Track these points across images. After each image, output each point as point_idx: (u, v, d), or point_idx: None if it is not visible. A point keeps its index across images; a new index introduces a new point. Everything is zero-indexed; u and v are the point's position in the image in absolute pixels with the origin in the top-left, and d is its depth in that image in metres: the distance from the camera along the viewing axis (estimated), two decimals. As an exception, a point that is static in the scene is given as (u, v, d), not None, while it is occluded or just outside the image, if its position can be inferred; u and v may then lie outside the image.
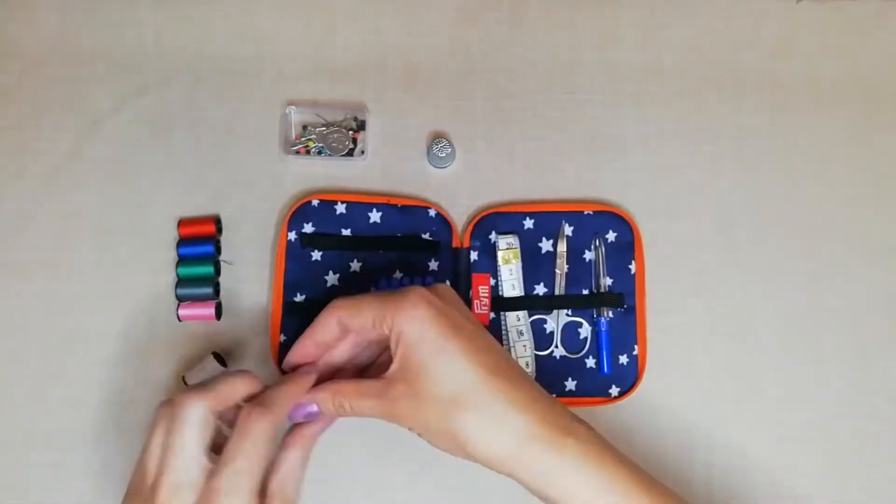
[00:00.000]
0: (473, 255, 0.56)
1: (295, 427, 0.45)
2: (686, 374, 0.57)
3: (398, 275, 0.56)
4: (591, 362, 0.56)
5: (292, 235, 0.56)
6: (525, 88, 0.60)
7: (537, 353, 0.56)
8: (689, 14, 0.61)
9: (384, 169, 0.59)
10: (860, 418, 0.57)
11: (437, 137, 0.58)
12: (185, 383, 0.55)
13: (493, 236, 0.56)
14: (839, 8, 0.61)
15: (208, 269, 0.56)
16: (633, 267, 0.57)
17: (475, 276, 0.56)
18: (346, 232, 0.56)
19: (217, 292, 0.57)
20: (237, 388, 0.42)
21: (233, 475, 0.38)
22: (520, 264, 0.56)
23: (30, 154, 0.58)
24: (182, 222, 0.57)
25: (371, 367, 0.50)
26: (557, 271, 0.57)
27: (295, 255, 0.56)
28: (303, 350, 0.47)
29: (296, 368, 0.47)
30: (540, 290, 0.56)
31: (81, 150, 0.58)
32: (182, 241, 0.56)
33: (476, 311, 0.56)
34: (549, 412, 0.42)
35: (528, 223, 0.57)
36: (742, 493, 0.55)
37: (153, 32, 0.60)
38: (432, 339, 0.42)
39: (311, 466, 0.45)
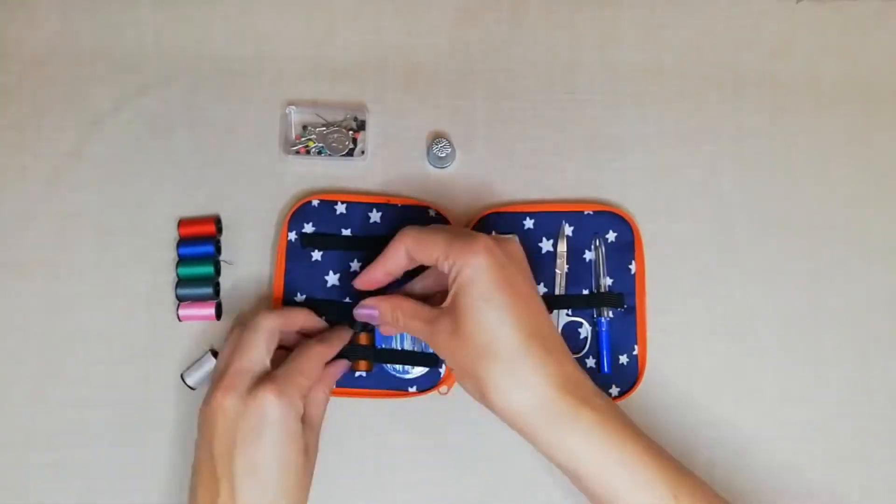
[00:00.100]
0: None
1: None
2: (686, 374, 0.57)
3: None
4: (591, 362, 0.56)
5: (292, 236, 0.56)
6: (525, 88, 0.60)
7: (537, 353, 0.56)
8: (689, 14, 0.61)
9: (384, 169, 0.59)
10: (860, 418, 0.57)
11: (437, 137, 0.58)
12: (184, 381, 0.55)
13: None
14: (839, 8, 0.61)
15: (208, 269, 0.56)
16: (633, 267, 0.57)
17: (475, 276, 0.56)
18: (347, 232, 0.56)
19: (217, 292, 0.57)
20: (299, 318, 0.52)
21: (291, 370, 0.47)
22: (520, 264, 0.56)
23: (30, 154, 0.58)
24: (182, 222, 0.57)
25: (433, 297, 0.52)
26: (557, 271, 0.57)
27: (295, 255, 0.56)
28: (373, 276, 0.51)
29: (364, 292, 0.52)
30: (540, 290, 0.56)
31: (81, 150, 0.58)
32: (182, 241, 0.56)
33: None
34: (573, 382, 0.44)
35: (528, 223, 0.57)
36: (743, 493, 0.55)
37: (153, 32, 0.60)
38: (484, 288, 0.44)
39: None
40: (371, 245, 0.56)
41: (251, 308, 0.57)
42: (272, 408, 0.45)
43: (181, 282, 0.56)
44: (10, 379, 0.56)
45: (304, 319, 0.52)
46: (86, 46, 0.60)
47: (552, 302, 0.56)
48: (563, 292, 0.56)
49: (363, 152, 0.58)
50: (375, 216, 0.57)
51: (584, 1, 0.61)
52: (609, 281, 0.57)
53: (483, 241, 0.45)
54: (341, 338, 0.53)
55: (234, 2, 0.60)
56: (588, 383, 0.45)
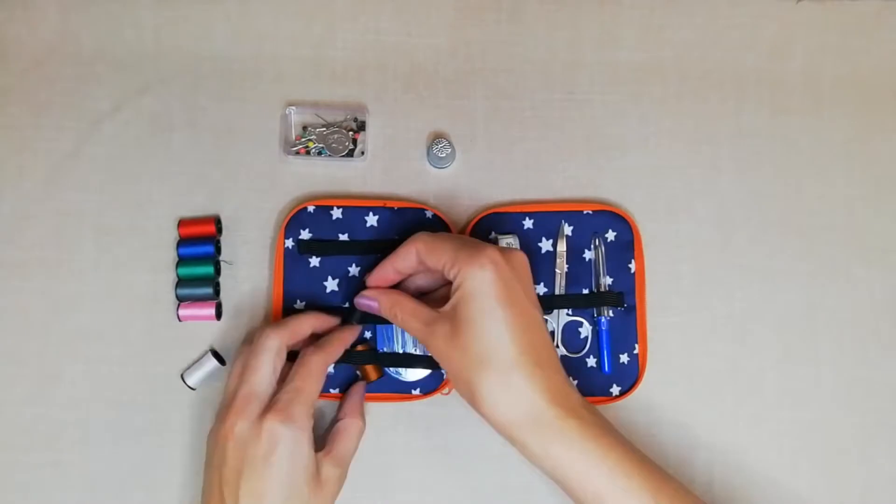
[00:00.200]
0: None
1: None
2: (686, 373, 0.57)
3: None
4: (591, 362, 0.56)
5: (289, 243, 0.56)
6: (525, 88, 0.60)
7: (537, 353, 0.56)
8: (689, 14, 0.61)
9: (384, 169, 0.59)
10: (859, 418, 0.57)
11: (437, 137, 0.58)
12: (184, 382, 0.55)
13: (492, 237, 0.56)
14: (839, 8, 0.61)
15: (208, 270, 0.56)
16: (632, 266, 0.57)
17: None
18: (344, 237, 0.56)
19: (217, 292, 0.57)
20: (305, 326, 0.51)
21: (293, 391, 0.47)
22: (520, 264, 0.56)
23: (30, 154, 0.58)
24: (182, 222, 0.57)
25: (434, 292, 0.53)
26: (557, 271, 0.57)
27: (293, 262, 0.56)
28: (384, 274, 0.51)
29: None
30: (540, 289, 0.56)
31: (81, 150, 0.58)
32: (182, 241, 0.56)
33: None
34: (561, 394, 0.46)
35: (528, 223, 0.57)
36: (743, 492, 0.55)
37: (153, 32, 0.60)
38: (486, 302, 0.45)
39: None
40: (369, 249, 0.56)
41: (252, 309, 0.57)
42: (279, 436, 0.45)
43: (181, 282, 0.56)
44: (10, 379, 0.56)
45: (313, 325, 0.52)
46: (85, 46, 0.60)
47: (552, 302, 0.56)
48: (562, 292, 0.56)
49: (363, 153, 0.58)
50: (372, 220, 0.56)
51: (584, 1, 0.61)
52: (609, 280, 0.57)
53: (490, 254, 0.46)
54: (343, 340, 0.52)
55: (234, 2, 0.60)
56: (575, 395, 0.47)
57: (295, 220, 0.56)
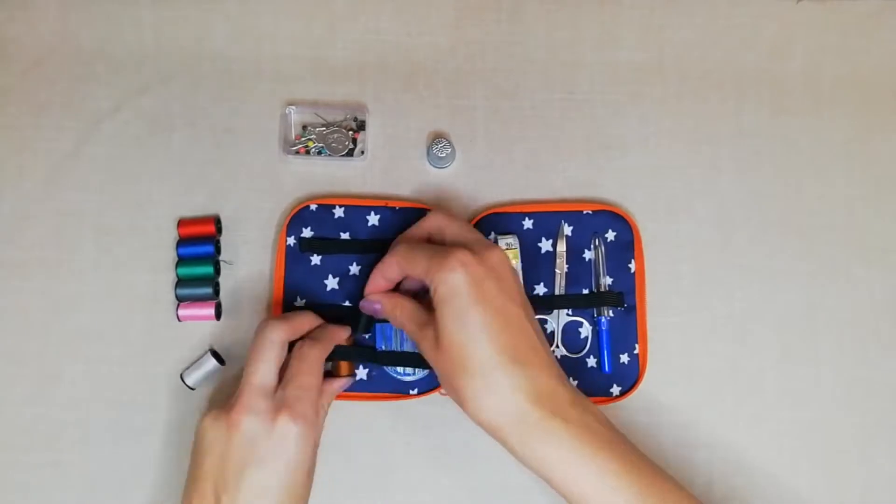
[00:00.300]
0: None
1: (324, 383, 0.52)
2: (686, 373, 0.57)
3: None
4: (592, 362, 0.56)
5: (291, 240, 0.56)
6: (525, 88, 0.60)
7: (537, 353, 0.56)
8: (689, 14, 0.61)
9: (384, 169, 0.59)
10: (860, 418, 0.57)
11: (437, 137, 0.58)
12: (184, 382, 0.55)
13: (492, 237, 0.56)
14: (839, 8, 0.61)
15: (208, 269, 0.56)
16: (632, 266, 0.57)
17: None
18: (345, 236, 0.56)
19: (217, 292, 0.57)
20: (305, 324, 0.52)
21: (300, 388, 0.48)
22: (519, 265, 0.56)
23: (30, 154, 0.58)
24: (182, 222, 0.57)
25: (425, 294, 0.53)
26: (557, 271, 0.57)
27: (294, 259, 0.56)
28: (376, 283, 0.52)
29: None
30: (540, 290, 0.56)
31: (81, 150, 0.58)
32: (182, 241, 0.56)
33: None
34: (546, 394, 0.45)
35: (528, 223, 0.57)
36: (742, 492, 0.55)
37: (153, 32, 0.60)
38: (458, 306, 0.45)
39: (315, 467, 0.48)
40: (370, 248, 0.56)
41: (252, 309, 0.57)
42: (292, 437, 0.46)
43: (181, 282, 0.56)
44: (10, 379, 0.56)
45: (311, 324, 0.53)
46: (85, 46, 0.60)
47: (552, 302, 0.56)
48: (562, 292, 0.56)
49: (363, 152, 0.58)
50: (374, 219, 0.57)
51: (584, 1, 0.61)
52: (609, 280, 0.57)
53: (459, 256, 0.46)
54: (334, 336, 0.53)
55: (234, 2, 0.60)
56: (564, 394, 0.46)
57: (297, 218, 0.56)
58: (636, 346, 0.56)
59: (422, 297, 0.52)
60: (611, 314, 0.56)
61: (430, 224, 0.52)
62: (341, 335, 0.53)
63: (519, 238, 0.56)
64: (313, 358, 0.50)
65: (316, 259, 0.56)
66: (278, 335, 0.49)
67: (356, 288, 0.56)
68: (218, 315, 0.56)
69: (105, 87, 0.59)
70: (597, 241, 0.57)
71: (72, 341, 0.56)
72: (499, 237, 0.56)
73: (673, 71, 0.60)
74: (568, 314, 0.56)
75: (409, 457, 0.56)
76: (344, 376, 0.54)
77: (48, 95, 0.59)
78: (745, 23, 0.61)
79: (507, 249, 0.56)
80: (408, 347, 0.55)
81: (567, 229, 0.57)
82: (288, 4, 0.60)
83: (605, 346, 0.56)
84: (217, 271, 0.57)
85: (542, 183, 0.59)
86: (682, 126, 0.60)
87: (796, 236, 0.59)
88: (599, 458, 0.44)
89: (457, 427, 0.56)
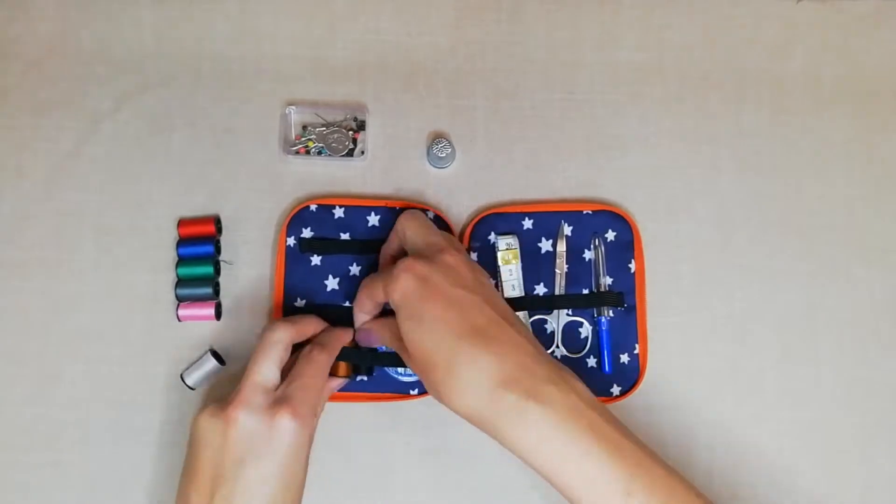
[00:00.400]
0: (473, 256, 0.56)
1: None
2: (686, 373, 0.57)
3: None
4: (592, 362, 0.56)
5: (291, 241, 0.56)
6: (525, 88, 0.60)
7: (537, 353, 0.56)
8: (689, 14, 0.61)
9: (384, 169, 0.59)
10: (860, 418, 0.57)
11: (437, 137, 0.58)
12: (184, 382, 0.55)
13: (492, 237, 0.56)
14: (839, 8, 0.61)
15: (208, 269, 0.56)
16: (632, 266, 0.57)
17: (475, 276, 0.56)
18: (345, 236, 0.56)
19: (217, 292, 0.57)
20: (309, 327, 0.53)
21: (301, 387, 0.48)
22: (519, 265, 0.56)
23: (30, 154, 0.58)
24: (182, 222, 0.57)
25: None
26: (557, 271, 0.57)
27: (294, 260, 0.56)
28: (363, 307, 0.53)
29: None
30: (540, 290, 0.56)
31: (81, 150, 0.58)
32: (182, 241, 0.56)
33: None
34: (516, 374, 0.43)
35: (528, 223, 0.57)
36: (743, 492, 0.55)
37: (153, 32, 0.60)
38: (410, 308, 0.46)
39: (314, 468, 0.48)
40: (370, 248, 0.56)
41: (252, 309, 0.57)
42: (289, 431, 0.46)
43: (181, 282, 0.56)
44: (10, 379, 0.56)
45: (316, 329, 0.53)
46: (85, 46, 0.60)
47: (552, 302, 0.56)
48: (562, 292, 0.56)
49: (363, 152, 0.58)
50: (374, 219, 0.57)
51: (584, 1, 0.61)
52: (609, 280, 0.57)
53: (402, 265, 0.47)
54: (340, 339, 0.53)
55: (234, 2, 0.60)
56: (539, 372, 0.43)
57: (297, 219, 0.56)
58: (636, 346, 0.56)
59: None
60: (611, 314, 0.56)
61: (398, 230, 0.52)
62: (346, 338, 0.54)
63: (519, 238, 0.56)
64: (320, 363, 0.50)
65: (316, 259, 0.56)
66: (283, 336, 0.50)
67: (356, 288, 0.55)
68: (218, 315, 0.56)
69: (105, 87, 0.59)
70: (597, 241, 0.57)
71: (72, 341, 0.56)
72: (499, 237, 0.56)
73: (673, 71, 0.60)
74: (568, 314, 0.56)
75: (409, 457, 0.56)
76: (341, 376, 0.54)
77: (48, 95, 0.59)
78: (745, 23, 0.61)
79: (507, 249, 0.56)
80: None
81: (567, 229, 0.57)
82: (288, 4, 0.60)
83: (605, 346, 0.56)
84: (217, 271, 0.57)
85: (542, 183, 0.59)
86: (682, 126, 0.60)
87: (796, 236, 0.59)
88: (583, 443, 0.41)
89: (457, 427, 0.55)
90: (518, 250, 0.56)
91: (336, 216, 0.56)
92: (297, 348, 0.52)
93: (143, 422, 0.55)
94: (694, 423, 0.56)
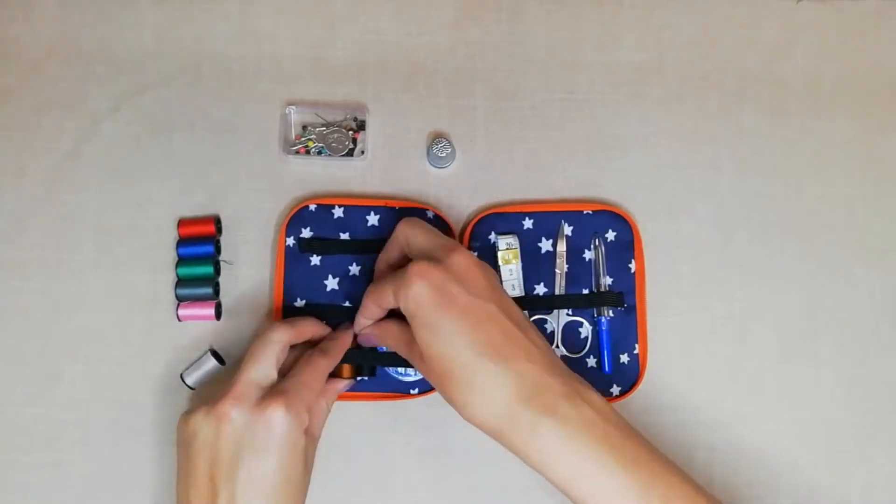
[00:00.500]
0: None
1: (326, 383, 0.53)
2: (686, 373, 0.57)
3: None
4: (592, 362, 0.56)
5: (290, 241, 0.56)
6: (525, 88, 0.60)
7: (537, 353, 0.56)
8: (689, 14, 0.61)
9: (384, 169, 0.59)
10: (860, 418, 0.57)
11: (437, 137, 0.58)
12: (184, 381, 0.55)
13: (492, 237, 0.56)
14: (839, 8, 0.61)
15: (208, 269, 0.56)
16: (632, 266, 0.57)
17: (475, 276, 0.56)
18: (345, 236, 0.56)
19: (217, 292, 0.57)
20: (308, 330, 0.53)
21: (298, 384, 0.48)
22: (520, 265, 0.56)
23: (30, 154, 0.58)
24: (182, 222, 0.57)
25: None
26: (557, 271, 0.57)
27: (294, 260, 0.56)
28: (369, 313, 0.52)
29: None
30: (540, 290, 0.56)
31: (81, 150, 0.58)
32: (182, 241, 0.56)
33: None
34: (534, 390, 0.44)
35: (528, 223, 0.57)
36: (743, 492, 0.55)
37: (153, 32, 0.60)
38: (425, 316, 0.45)
39: (314, 467, 0.49)
40: (370, 248, 0.56)
41: (252, 309, 0.57)
42: (280, 422, 0.46)
43: (181, 282, 0.56)
44: (10, 379, 0.56)
45: (313, 331, 0.53)
46: (85, 46, 0.60)
47: (552, 302, 0.56)
48: (562, 292, 0.56)
49: (363, 152, 0.58)
50: (373, 219, 0.57)
51: (584, 1, 0.61)
52: (609, 280, 0.57)
53: (415, 269, 0.46)
54: (343, 346, 0.53)
55: (234, 2, 0.60)
56: (556, 387, 0.44)
57: (296, 219, 0.56)
58: (636, 346, 0.56)
59: None
60: (611, 314, 0.56)
61: (399, 238, 0.51)
62: (348, 342, 0.54)
63: (519, 238, 0.56)
64: (320, 366, 0.50)
65: (316, 259, 0.56)
66: (281, 336, 0.50)
67: (356, 288, 0.56)
68: (218, 315, 0.56)
69: (105, 87, 0.59)
70: (597, 241, 0.57)
71: (72, 341, 0.56)
72: (499, 237, 0.56)
73: (673, 71, 0.60)
74: (568, 314, 0.56)
75: (409, 457, 0.56)
76: (346, 378, 0.54)
77: (48, 95, 0.59)
78: (745, 23, 0.61)
79: (507, 249, 0.56)
80: None
81: (567, 229, 0.57)
82: (288, 4, 0.60)
83: (605, 346, 0.56)
84: (217, 271, 0.57)
85: (542, 183, 0.59)
86: (682, 126, 0.60)
87: (796, 236, 0.59)
88: (596, 456, 0.42)
89: (457, 427, 0.55)
90: (518, 250, 0.56)
91: (336, 216, 0.56)
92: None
93: (144, 422, 0.55)
94: (694, 423, 0.56)
